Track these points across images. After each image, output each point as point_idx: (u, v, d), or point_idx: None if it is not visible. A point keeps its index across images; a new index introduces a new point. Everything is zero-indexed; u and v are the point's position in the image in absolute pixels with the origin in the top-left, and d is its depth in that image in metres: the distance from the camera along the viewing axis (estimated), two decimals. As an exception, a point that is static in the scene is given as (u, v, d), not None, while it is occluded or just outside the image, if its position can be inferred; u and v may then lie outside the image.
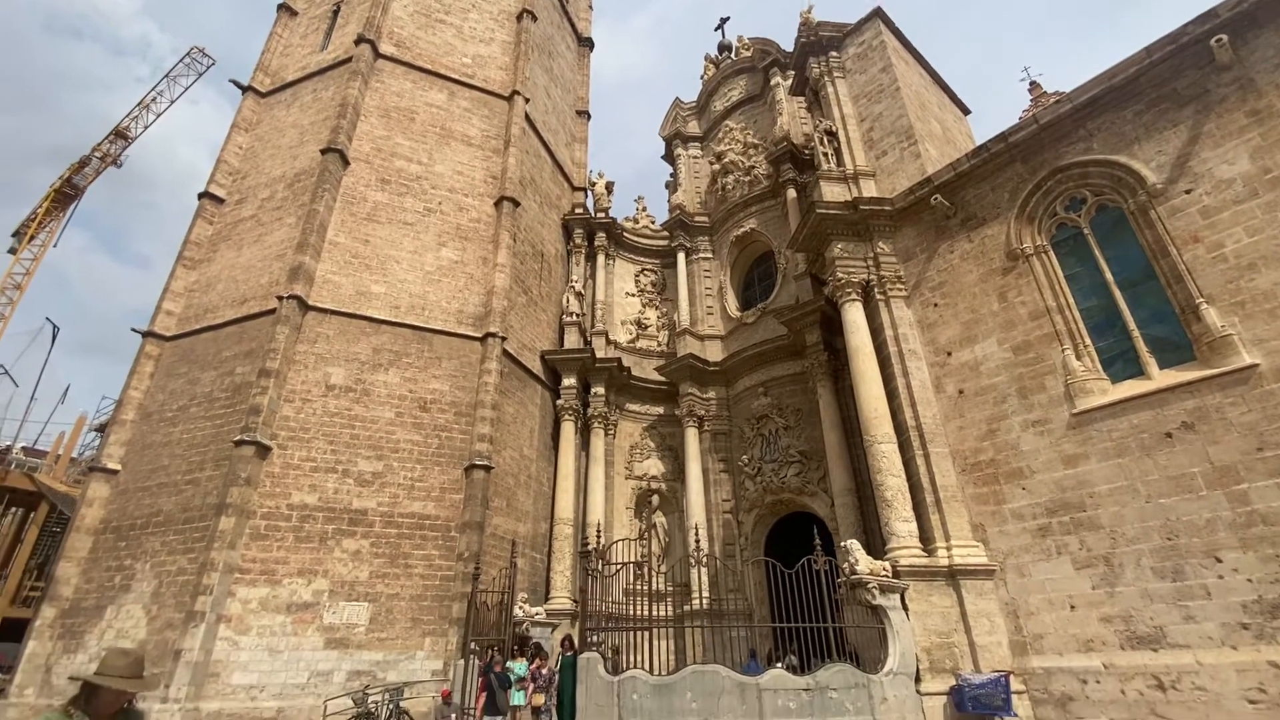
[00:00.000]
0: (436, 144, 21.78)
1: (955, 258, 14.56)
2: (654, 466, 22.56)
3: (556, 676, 11.35)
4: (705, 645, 16.30)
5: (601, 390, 22.38)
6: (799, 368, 19.58)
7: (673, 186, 27.50)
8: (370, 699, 13.16)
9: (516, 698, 12.22)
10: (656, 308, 25.59)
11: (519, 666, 12.36)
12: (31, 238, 43.03)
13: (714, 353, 22.91)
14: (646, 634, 12.93)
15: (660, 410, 23.25)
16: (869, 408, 14.08)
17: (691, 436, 21.41)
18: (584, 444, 22.12)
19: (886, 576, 11.71)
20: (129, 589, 14.94)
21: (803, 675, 10.50)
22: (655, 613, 13.90)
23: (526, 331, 21.67)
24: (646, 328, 25.12)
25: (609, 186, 26.75)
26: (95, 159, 43.12)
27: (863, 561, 11.68)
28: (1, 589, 28.44)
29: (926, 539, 12.79)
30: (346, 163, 19.68)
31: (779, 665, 10.97)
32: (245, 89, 23.39)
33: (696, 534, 15.81)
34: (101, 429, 29.37)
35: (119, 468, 17.02)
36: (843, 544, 12.62)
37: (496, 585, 15.65)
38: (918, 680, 11.14)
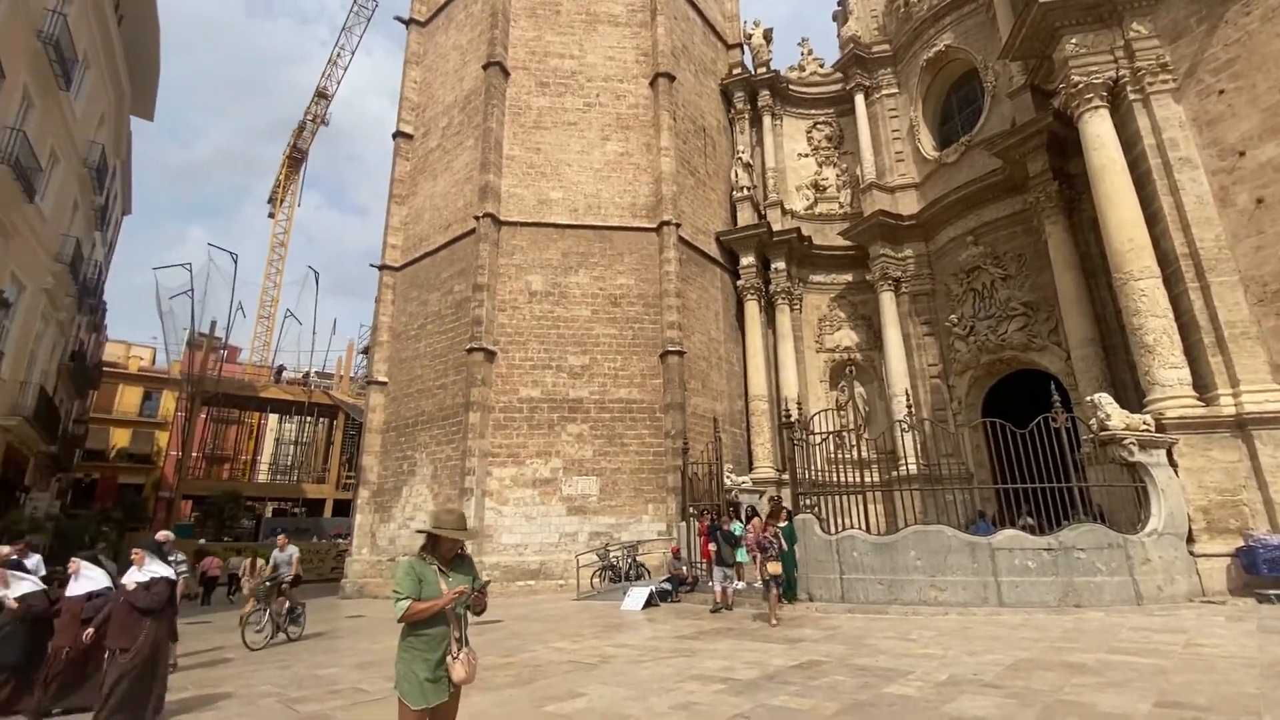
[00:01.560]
0: (584, 32, 21.20)
1: (1253, 19, 10.95)
2: (846, 337, 21.62)
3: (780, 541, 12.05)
4: (919, 509, 16.01)
5: (782, 265, 21.57)
6: (1018, 206, 16.83)
7: (841, 17, 23.92)
8: (611, 554, 15.25)
9: (738, 554, 13.35)
10: (834, 165, 23.37)
11: (735, 527, 13.37)
12: (281, 201, 51.92)
13: (907, 205, 20.56)
14: (857, 499, 12.99)
15: (848, 278, 21.87)
16: (1121, 238, 11.75)
17: (887, 301, 19.94)
18: (769, 321, 21.84)
19: (1147, 431, 10.21)
20: (414, 473, 18.60)
21: (1042, 536, 9.85)
22: (861, 480, 13.85)
23: (699, 215, 21.30)
24: (825, 190, 23.21)
25: (767, 35, 24.14)
26: (308, 122, 49.65)
27: (1116, 416, 10.26)
28: (328, 478, 37.48)
29: (1203, 386, 10.78)
30: (507, 73, 20.11)
31: (1018, 525, 10.37)
32: (408, 22, 24.58)
33: (908, 398, 15.11)
34: (366, 351, 35.81)
35: (386, 380, 20.72)
36: (1089, 399, 11.17)
37: (704, 458, 16.70)
38: (1190, 541, 9.86)
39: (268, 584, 10.30)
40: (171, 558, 7.42)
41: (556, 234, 19.09)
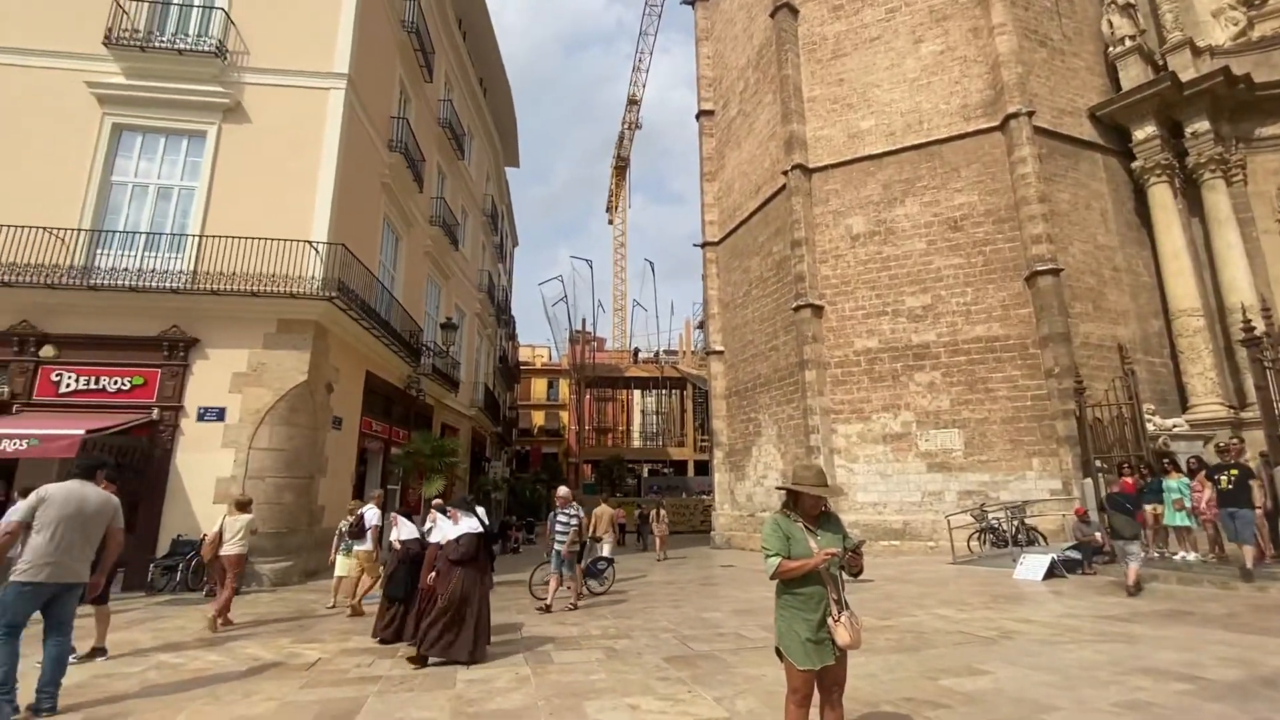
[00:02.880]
0: (875, -71, 18.57)
1: None
2: (1343, 202, 14.52)
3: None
4: None
5: (1203, 125, 15.68)
6: None
7: None
8: (989, 515, 13.26)
9: (1175, 518, 10.16)
10: (1289, -44, 15.79)
11: (1174, 483, 10.20)
12: (615, 207, 59.77)
13: None
14: None
15: (1339, 113, 14.61)
16: None
17: None
18: (1193, 207, 16.07)
19: None
20: (760, 434, 19.24)
21: None
22: None
23: (1059, 93, 16.79)
24: (1263, 3, 15.87)
25: None
26: (625, 131, 55.86)
27: None
28: (686, 442, 42.01)
29: None
30: (795, 11, 18.95)
31: None
32: (692, 2, 25.23)
33: None
34: (701, 325, 38.74)
35: (722, 348, 21.88)
36: None
37: (1109, 399, 13.20)
38: None
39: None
40: (569, 510, 8.76)
41: (873, 166, 17.30)
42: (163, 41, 12.09)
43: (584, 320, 46.13)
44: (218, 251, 11.26)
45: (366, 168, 14.02)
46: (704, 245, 22.99)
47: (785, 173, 18.04)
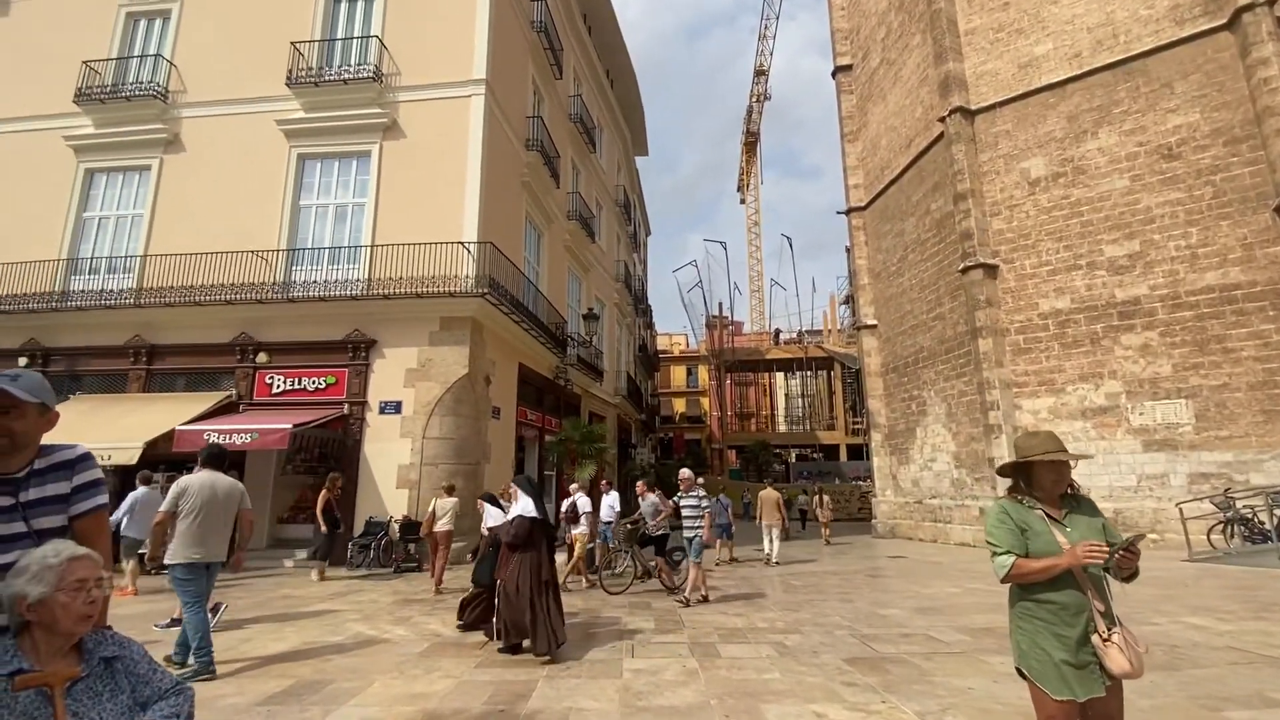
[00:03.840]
0: None
1: None
2: None
3: None
4: None
5: None
6: None
7: None
8: (1238, 503, 10.83)
9: None
10: None
11: None
12: (746, 186, 58.15)
13: None
14: None
15: None
16: None
17: None
18: None
19: None
20: (925, 413, 17.48)
21: None
22: None
23: (1317, -32, 13.18)
24: None
25: None
26: (753, 104, 54.01)
27: None
28: (837, 425, 39.82)
29: None
30: (944, -65, 16.78)
31: None
32: (822, -49, 23.42)
33: None
34: (847, 300, 36.41)
35: (875, 322, 20.21)
36: None
37: None
38: None
39: (629, 527, 9.58)
40: (695, 493, 8.12)
41: (1053, 97, 14.87)
42: (331, 74, 13.39)
43: (720, 304, 45.43)
44: (386, 259, 12.28)
45: (507, 168, 14.58)
46: (848, 211, 21.36)
47: (942, 119, 16.10)
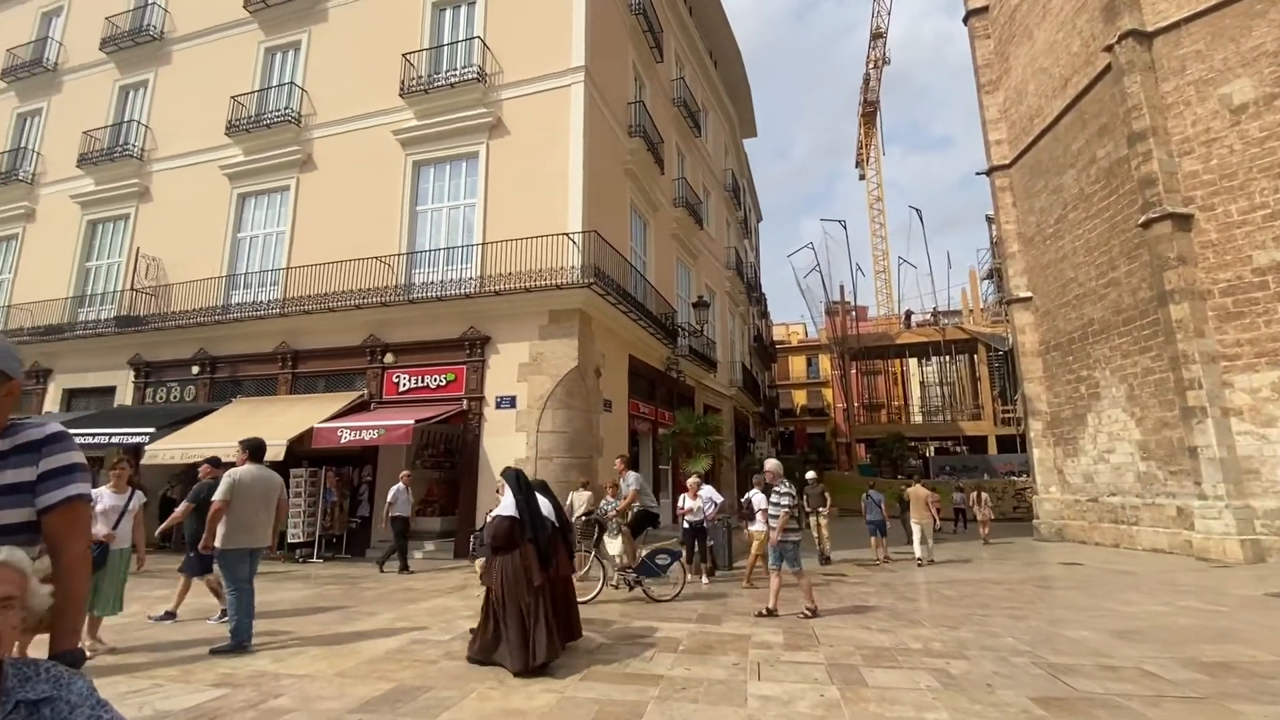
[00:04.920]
0: None
1: None
2: None
3: None
4: None
5: None
6: None
7: None
8: None
9: None
10: None
11: None
12: (866, 160, 54.32)
13: None
14: None
15: None
16: None
17: None
18: None
19: None
20: (1098, 396, 14.93)
21: None
22: None
23: None
24: None
25: None
26: (871, 71, 50.29)
27: None
28: (983, 414, 35.88)
29: None
30: None
31: None
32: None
33: None
34: (991, 275, 32.68)
35: (1029, 294, 17.67)
36: None
37: None
38: None
39: (582, 519, 9.02)
40: (780, 488, 7.02)
41: (1262, 2, 12.00)
42: (439, 80, 13.74)
43: (841, 288, 42.64)
44: (497, 256, 12.36)
45: (610, 155, 14.23)
46: (990, 171, 18.90)
47: (1109, 48, 13.62)
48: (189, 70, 16.46)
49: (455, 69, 13.83)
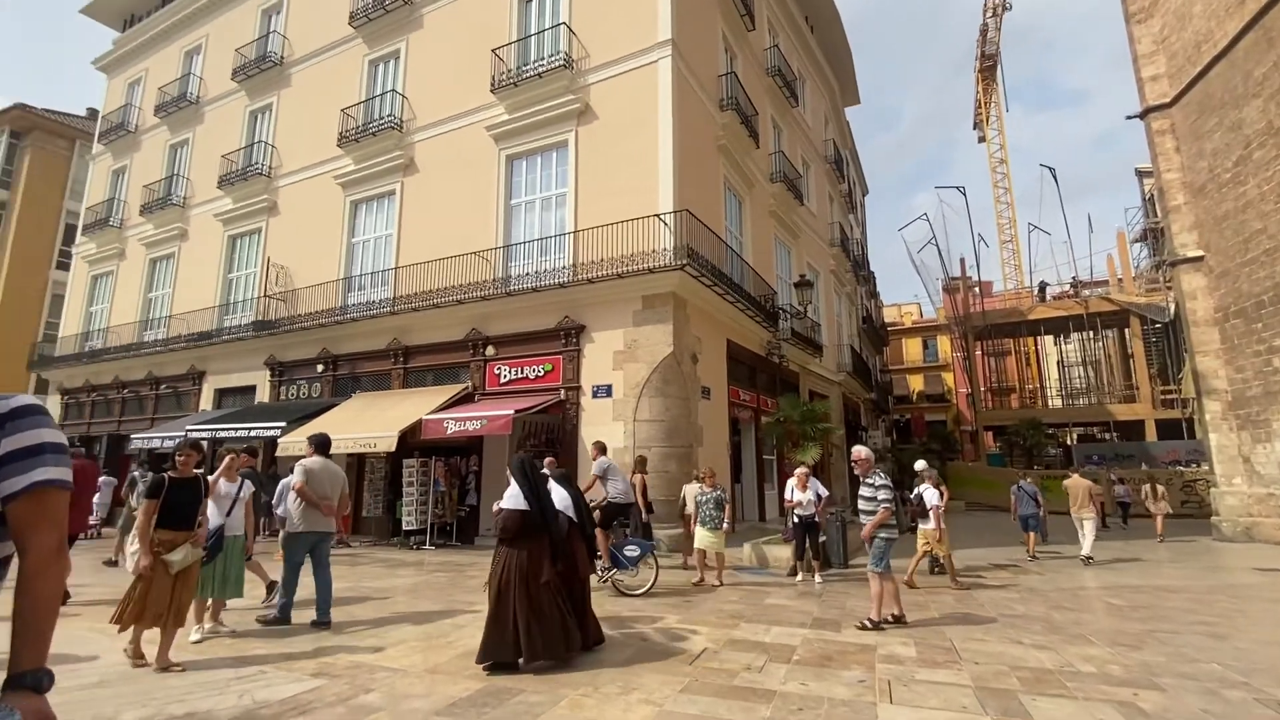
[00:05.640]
0: None
1: None
2: None
3: None
4: None
5: None
6: None
7: None
8: None
9: None
10: None
11: None
12: (986, 120, 49.39)
13: None
14: None
15: None
16: None
17: None
18: None
19: None
20: (1300, 369, 12.39)
21: None
22: None
23: None
24: None
25: None
26: (988, 20, 45.48)
27: None
28: (1138, 395, 31.48)
29: None
30: None
31: None
32: None
33: None
34: (1144, 237, 28.56)
35: (1201, 252, 15.04)
36: None
37: None
38: None
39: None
40: (873, 479, 6.02)
41: None
42: (527, 71, 13.73)
43: (962, 261, 39.07)
44: (589, 243, 12.15)
45: (701, 132, 13.60)
46: (1145, 114, 16.28)
47: (1310, -59, 11.10)
48: (305, 90, 17.66)
49: (543, 58, 13.75)
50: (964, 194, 40.47)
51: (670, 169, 11.97)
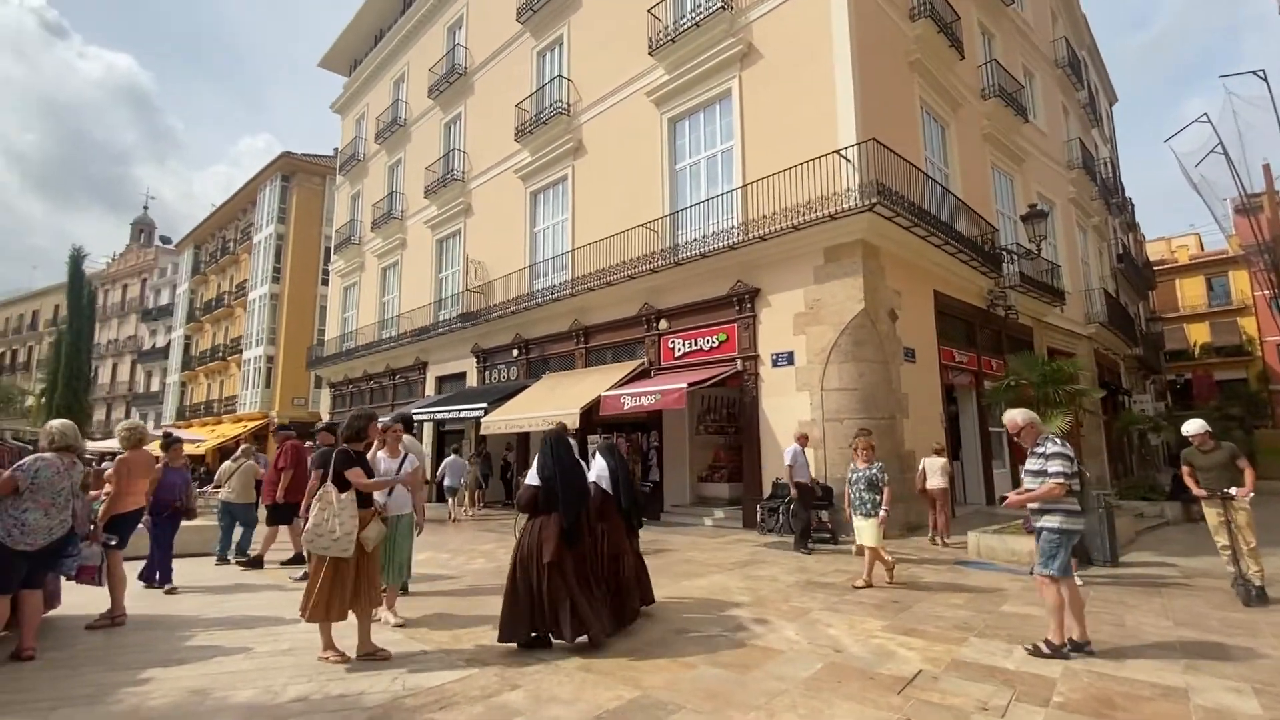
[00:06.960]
0: None
1: None
2: None
3: None
4: None
5: None
6: None
7: None
8: None
9: None
10: None
11: None
12: None
13: None
14: None
15: None
16: None
17: None
18: None
19: None
20: None
21: None
22: None
23: None
24: None
25: None
26: None
27: None
28: None
29: None
30: None
31: None
32: None
33: None
34: None
35: None
36: None
37: None
38: None
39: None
40: (1041, 448, 4.33)
41: None
42: (684, 22, 12.88)
43: (1265, 167, 29.58)
44: (760, 196, 11.04)
45: (887, 49, 11.59)
46: None
47: None
48: (487, 94, 18.79)
49: (700, 5, 12.80)
50: (1264, 78, 30.41)
51: (851, 96, 10.34)
